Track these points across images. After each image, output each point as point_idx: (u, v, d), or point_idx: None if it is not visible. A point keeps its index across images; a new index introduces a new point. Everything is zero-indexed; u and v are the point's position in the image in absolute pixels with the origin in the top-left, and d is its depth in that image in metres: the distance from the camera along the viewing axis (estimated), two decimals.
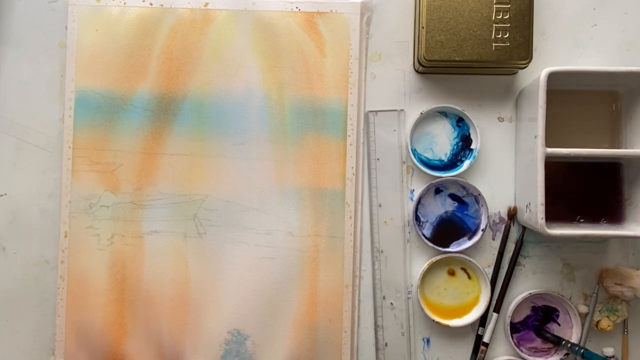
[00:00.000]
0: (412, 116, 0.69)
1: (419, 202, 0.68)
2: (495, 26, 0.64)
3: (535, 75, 0.63)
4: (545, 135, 0.60)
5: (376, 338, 0.69)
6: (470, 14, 0.64)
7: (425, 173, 0.68)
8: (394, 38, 0.70)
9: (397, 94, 0.70)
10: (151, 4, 0.69)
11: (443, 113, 0.70)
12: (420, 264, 0.69)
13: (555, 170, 0.64)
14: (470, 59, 0.64)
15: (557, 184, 0.65)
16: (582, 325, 0.67)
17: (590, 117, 0.68)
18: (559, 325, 0.68)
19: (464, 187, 0.69)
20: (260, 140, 0.69)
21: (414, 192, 0.69)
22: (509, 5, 0.64)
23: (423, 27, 0.64)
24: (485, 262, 0.69)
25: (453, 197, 0.69)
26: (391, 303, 0.69)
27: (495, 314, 0.68)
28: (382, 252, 0.69)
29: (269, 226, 0.68)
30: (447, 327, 0.68)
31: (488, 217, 0.68)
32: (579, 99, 0.68)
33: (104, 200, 0.69)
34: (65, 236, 0.69)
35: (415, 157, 0.68)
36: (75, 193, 0.69)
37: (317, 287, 0.68)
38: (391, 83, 0.70)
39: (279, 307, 0.68)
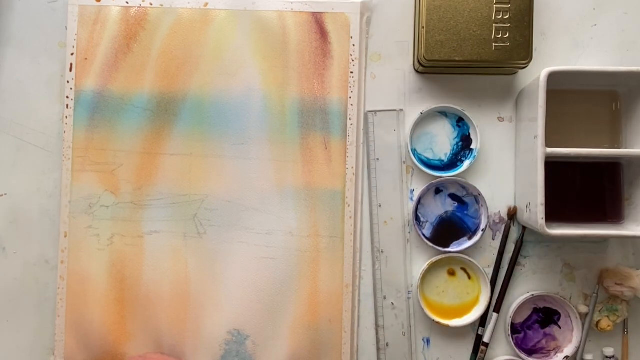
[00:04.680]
0: (412, 116, 0.69)
1: (419, 202, 0.68)
2: (495, 26, 0.64)
3: (535, 75, 0.63)
4: (545, 135, 0.60)
5: (377, 338, 0.69)
6: (470, 14, 0.64)
7: (425, 173, 0.68)
8: (394, 38, 0.70)
9: (397, 94, 0.70)
10: (151, 4, 0.69)
11: (443, 113, 0.70)
12: (420, 264, 0.69)
13: (555, 170, 0.63)
14: (470, 59, 0.64)
15: (557, 184, 0.65)
16: (583, 326, 0.67)
17: (590, 117, 0.68)
18: (560, 328, 0.68)
19: (464, 187, 0.69)
20: (260, 140, 0.69)
21: (414, 192, 0.69)
22: (509, 5, 0.64)
23: (423, 27, 0.64)
24: (485, 262, 0.69)
25: (453, 197, 0.69)
26: (392, 303, 0.69)
27: (495, 314, 0.68)
28: (382, 252, 0.69)
29: (269, 226, 0.68)
30: (447, 327, 0.68)
31: (488, 217, 0.68)
32: (579, 99, 0.68)
33: (103, 200, 0.69)
34: (65, 236, 0.69)
35: (415, 157, 0.68)
36: (75, 193, 0.69)
37: (317, 287, 0.68)
38: (391, 83, 0.70)
39: (279, 307, 0.68)
